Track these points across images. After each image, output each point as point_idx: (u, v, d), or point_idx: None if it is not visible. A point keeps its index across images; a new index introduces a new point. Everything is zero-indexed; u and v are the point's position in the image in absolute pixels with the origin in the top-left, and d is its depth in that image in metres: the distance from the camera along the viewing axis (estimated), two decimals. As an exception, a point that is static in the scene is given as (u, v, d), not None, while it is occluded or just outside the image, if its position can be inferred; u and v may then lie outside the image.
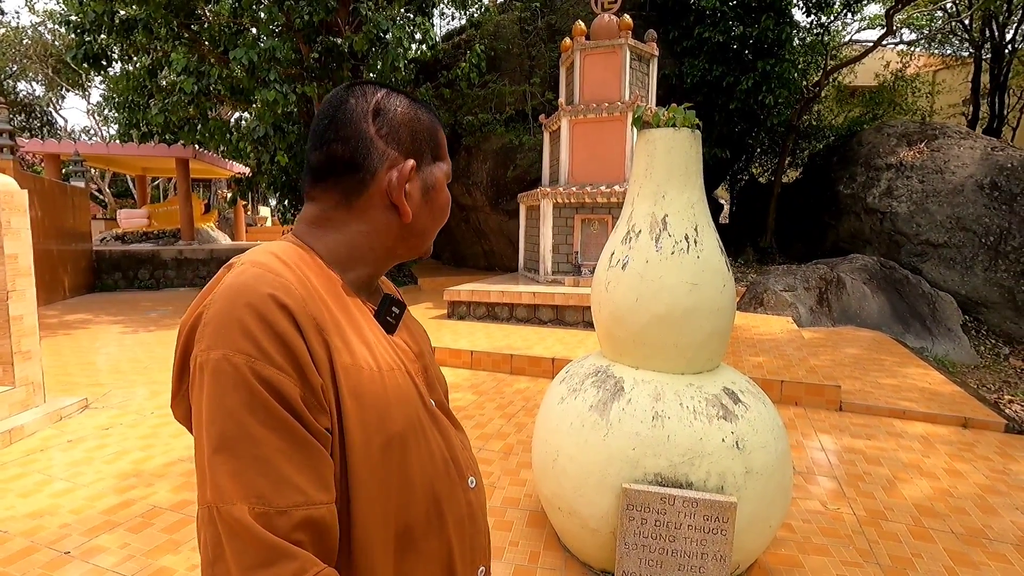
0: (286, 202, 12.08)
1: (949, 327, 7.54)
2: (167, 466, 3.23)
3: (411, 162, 0.73)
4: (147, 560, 2.31)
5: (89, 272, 11.05)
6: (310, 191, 0.74)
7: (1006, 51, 13.51)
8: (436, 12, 11.06)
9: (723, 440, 2.02)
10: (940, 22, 14.85)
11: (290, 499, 0.55)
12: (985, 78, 13.99)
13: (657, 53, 8.33)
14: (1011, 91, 14.42)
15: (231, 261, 0.67)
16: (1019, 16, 13.25)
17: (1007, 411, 4.74)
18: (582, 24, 8.01)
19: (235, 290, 0.60)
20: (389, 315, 0.77)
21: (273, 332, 0.58)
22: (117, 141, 15.35)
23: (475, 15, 12.06)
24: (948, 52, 16.60)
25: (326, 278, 0.69)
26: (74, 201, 10.44)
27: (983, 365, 6.99)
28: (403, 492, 0.67)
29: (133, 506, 2.76)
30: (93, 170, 20.37)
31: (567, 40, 8.19)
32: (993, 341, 7.79)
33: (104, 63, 9.06)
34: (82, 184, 11.44)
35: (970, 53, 14.83)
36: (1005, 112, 14.07)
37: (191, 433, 0.64)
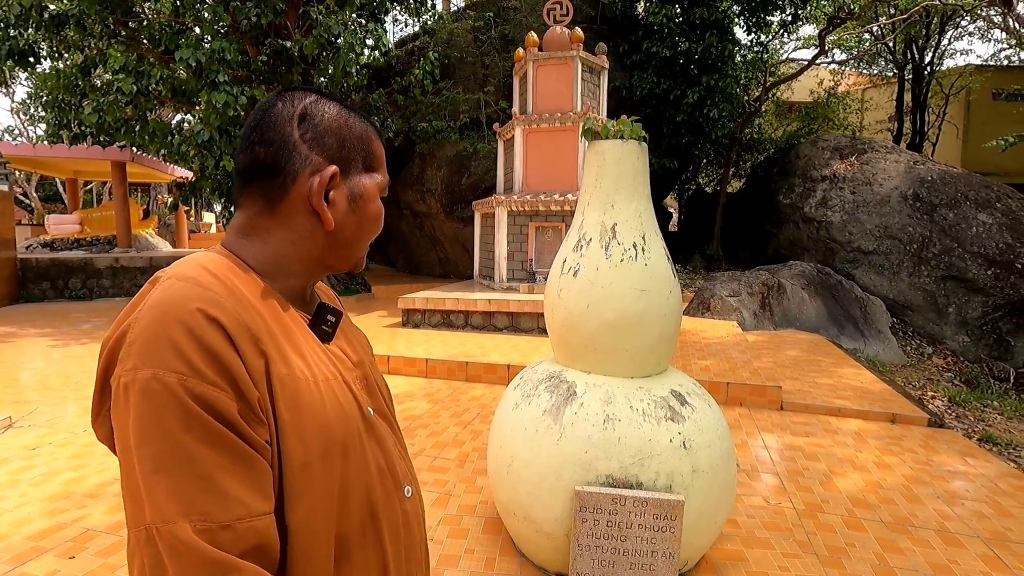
0: (232, 208, 11.67)
1: (879, 329, 8.05)
2: (101, 486, 3.05)
3: (332, 168, 0.71)
4: (80, 587, 2.18)
5: (12, 282, 10.31)
6: (238, 197, 0.73)
7: (925, 72, 14.61)
8: (389, 18, 10.99)
9: (671, 441, 2.09)
10: (867, 44, 15.92)
11: (233, 512, 0.55)
12: (908, 97, 15.08)
13: (607, 66, 8.56)
14: (930, 109, 15.59)
15: (156, 275, 0.65)
16: (936, 41, 14.38)
17: (930, 407, 5.09)
18: (535, 35, 8.14)
19: (162, 306, 0.58)
20: (325, 324, 0.76)
21: (204, 348, 0.57)
22: (45, 142, 14.44)
23: (428, 23, 12.05)
24: (875, 72, 17.82)
25: (257, 288, 0.68)
26: (-4, 206, 9.74)
27: (909, 364, 7.48)
28: (339, 502, 0.67)
29: (64, 530, 2.60)
30: (18, 172, 19.06)
31: (520, 51, 8.31)
32: (918, 342, 8.35)
33: (31, 60, 8.52)
34: (5, 187, 10.68)
35: (894, 73, 15.96)
36: (926, 129, 15.19)
37: (114, 454, 0.62)
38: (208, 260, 0.67)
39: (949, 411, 5.27)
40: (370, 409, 0.76)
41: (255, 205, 0.72)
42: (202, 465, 0.55)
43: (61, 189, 21.39)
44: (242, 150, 0.72)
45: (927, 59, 14.61)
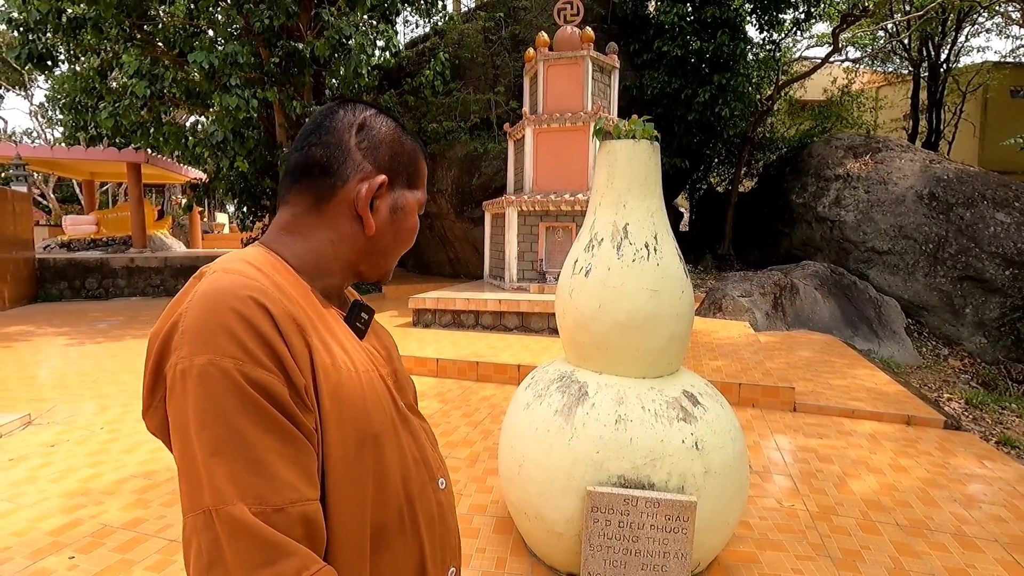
0: (244, 208, 11.76)
1: (894, 330, 7.94)
2: (118, 483, 3.10)
3: (382, 177, 0.75)
4: (97, 582, 2.21)
5: (31, 281, 10.50)
6: (285, 195, 0.76)
7: (941, 70, 14.39)
8: (400, 19, 11.04)
9: (683, 441, 2.08)
10: (882, 41, 15.71)
11: (286, 497, 0.56)
12: (923, 95, 14.86)
13: (618, 65, 8.53)
14: (946, 107, 15.35)
15: (201, 270, 0.67)
16: (952, 38, 14.16)
17: (946, 409, 5.02)
18: (545, 35, 8.13)
19: (213, 295, 0.60)
20: (359, 321, 0.78)
21: (257, 334, 0.59)
22: (63, 144, 14.67)
23: (439, 23, 12.08)
24: (890, 70, 17.57)
25: (297, 283, 0.70)
26: (15, 207, 9.92)
27: (925, 365, 7.38)
28: (377, 492, 0.68)
29: (81, 526, 2.64)
30: (36, 174, 19.39)
31: (531, 51, 8.30)
32: (934, 343, 8.23)
33: (49, 63, 8.67)
34: (24, 189, 10.89)
35: (909, 71, 15.74)
36: (941, 127, 14.96)
37: (166, 444, 0.63)
38: (250, 255, 0.69)
39: (966, 413, 5.20)
40: (402, 403, 0.78)
41: (303, 203, 0.75)
42: (256, 448, 0.56)
43: (78, 190, 21.71)
44: (297, 149, 0.75)
45: (943, 56, 14.38)
